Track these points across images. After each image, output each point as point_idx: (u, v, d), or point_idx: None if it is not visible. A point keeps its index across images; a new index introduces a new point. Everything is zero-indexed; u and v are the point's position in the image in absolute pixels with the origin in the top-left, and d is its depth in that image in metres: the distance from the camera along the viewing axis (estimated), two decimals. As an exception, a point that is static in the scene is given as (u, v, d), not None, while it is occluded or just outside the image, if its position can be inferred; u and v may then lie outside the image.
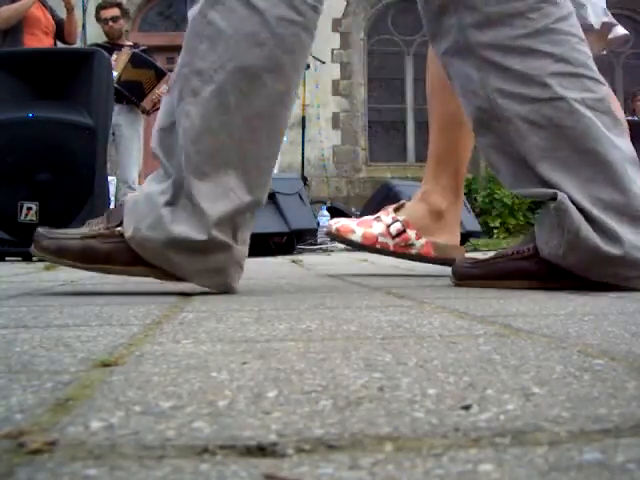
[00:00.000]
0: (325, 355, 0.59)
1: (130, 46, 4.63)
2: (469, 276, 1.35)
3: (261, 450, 0.33)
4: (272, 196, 3.94)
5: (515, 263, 1.29)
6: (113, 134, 4.57)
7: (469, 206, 5.12)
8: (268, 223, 3.79)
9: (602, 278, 1.20)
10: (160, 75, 4.53)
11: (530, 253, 1.26)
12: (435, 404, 0.42)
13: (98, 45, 4.59)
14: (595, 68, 1.30)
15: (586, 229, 1.16)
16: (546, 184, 1.21)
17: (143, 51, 4.66)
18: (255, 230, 3.93)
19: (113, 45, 4.61)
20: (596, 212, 1.17)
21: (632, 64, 10.37)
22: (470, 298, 1.10)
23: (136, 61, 4.42)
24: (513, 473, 0.30)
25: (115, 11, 4.65)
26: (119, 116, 4.47)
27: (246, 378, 0.49)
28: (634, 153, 1.26)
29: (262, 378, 0.49)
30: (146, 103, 4.54)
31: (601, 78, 1.31)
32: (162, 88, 4.53)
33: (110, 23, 4.66)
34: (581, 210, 1.17)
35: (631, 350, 0.60)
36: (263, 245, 3.72)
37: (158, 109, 4.77)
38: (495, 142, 1.28)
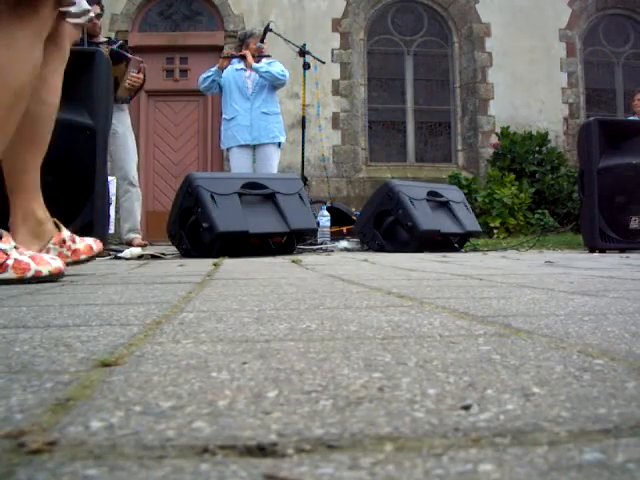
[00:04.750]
0: (325, 355, 0.59)
1: (107, 42, 4.57)
2: None
3: (261, 450, 0.33)
4: (272, 196, 3.94)
5: None
6: None
7: (469, 206, 5.12)
8: (268, 223, 3.79)
9: None
10: (128, 63, 4.45)
11: None
12: (435, 404, 0.42)
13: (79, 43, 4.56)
14: None
15: None
16: None
17: (120, 46, 4.59)
18: (255, 230, 3.89)
19: (90, 43, 4.55)
20: None
21: (632, 64, 10.37)
22: (470, 298, 1.10)
23: (114, 58, 4.35)
24: (513, 473, 0.30)
25: (97, 9, 4.60)
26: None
27: (246, 378, 0.49)
28: None
29: (262, 378, 0.49)
30: (121, 92, 4.46)
31: None
32: (131, 72, 4.45)
33: (94, 20, 4.63)
34: None
35: (631, 350, 0.60)
36: (263, 245, 3.72)
37: (135, 93, 4.72)
38: None
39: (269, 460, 0.32)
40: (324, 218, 5.10)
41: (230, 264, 2.51)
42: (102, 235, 2.99)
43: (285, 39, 5.96)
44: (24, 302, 1.10)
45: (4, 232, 1.58)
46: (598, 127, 4.33)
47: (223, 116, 5.57)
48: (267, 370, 0.52)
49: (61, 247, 1.87)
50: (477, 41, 9.75)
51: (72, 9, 1.75)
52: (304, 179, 5.59)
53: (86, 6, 1.83)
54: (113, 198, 4.95)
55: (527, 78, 9.63)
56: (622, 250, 4.26)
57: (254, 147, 5.45)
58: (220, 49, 7.55)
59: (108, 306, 1.01)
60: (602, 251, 4.25)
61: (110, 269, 2.22)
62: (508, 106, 9.58)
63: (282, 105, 5.70)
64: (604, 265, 2.34)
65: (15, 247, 1.57)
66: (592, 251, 4.28)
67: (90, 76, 2.93)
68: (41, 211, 1.88)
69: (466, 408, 0.40)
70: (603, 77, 10.36)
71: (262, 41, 5.47)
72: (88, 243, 1.96)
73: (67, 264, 1.75)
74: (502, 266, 2.27)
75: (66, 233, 1.92)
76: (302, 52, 5.91)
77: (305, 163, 6.36)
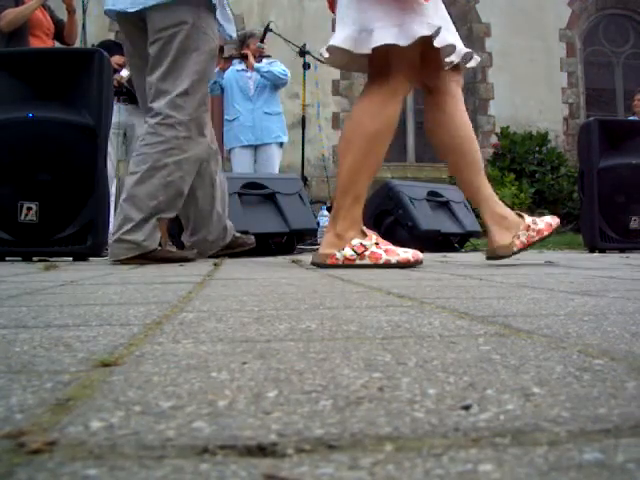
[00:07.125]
0: (325, 355, 0.59)
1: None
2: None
3: (261, 450, 0.33)
4: (272, 196, 3.94)
5: None
6: (124, 134, 4.55)
7: (469, 206, 5.12)
8: (268, 223, 3.79)
9: None
10: None
11: None
12: (435, 404, 0.42)
13: (114, 43, 4.54)
14: None
15: None
16: None
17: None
18: (255, 230, 3.91)
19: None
20: None
21: (632, 64, 10.37)
22: (470, 298, 1.10)
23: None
24: (513, 473, 0.30)
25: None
26: (132, 116, 4.44)
27: (246, 378, 0.49)
28: None
29: (262, 378, 0.49)
30: None
31: None
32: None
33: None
34: None
35: (631, 350, 0.60)
36: (263, 245, 3.72)
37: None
38: None
39: (269, 460, 0.32)
40: (324, 218, 5.10)
41: (230, 264, 2.51)
42: (101, 235, 2.99)
43: (285, 39, 5.95)
44: (24, 302, 1.10)
45: (370, 232, 2.11)
46: (598, 127, 4.33)
47: (225, 117, 5.56)
48: (267, 370, 0.52)
49: (527, 231, 2.19)
50: (477, 41, 9.75)
51: (453, 57, 2.15)
52: (304, 179, 5.59)
53: (464, 49, 2.18)
54: (113, 198, 4.95)
55: (527, 78, 9.63)
56: (622, 250, 4.26)
57: (255, 147, 5.45)
58: (220, 50, 7.55)
59: (108, 306, 1.01)
60: (602, 251, 4.25)
61: (110, 269, 2.22)
62: (508, 106, 9.58)
63: (282, 105, 5.70)
64: (604, 265, 2.34)
65: (376, 243, 2.09)
66: (592, 251, 4.28)
67: (90, 76, 2.93)
68: (501, 208, 2.23)
69: (466, 408, 0.40)
70: (603, 77, 10.36)
71: (262, 41, 5.47)
72: (547, 221, 2.25)
73: (533, 243, 2.19)
74: (502, 266, 2.27)
75: (528, 219, 2.22)
76: (302, 52, 5.91)
77: (305, 163, 6.36)
